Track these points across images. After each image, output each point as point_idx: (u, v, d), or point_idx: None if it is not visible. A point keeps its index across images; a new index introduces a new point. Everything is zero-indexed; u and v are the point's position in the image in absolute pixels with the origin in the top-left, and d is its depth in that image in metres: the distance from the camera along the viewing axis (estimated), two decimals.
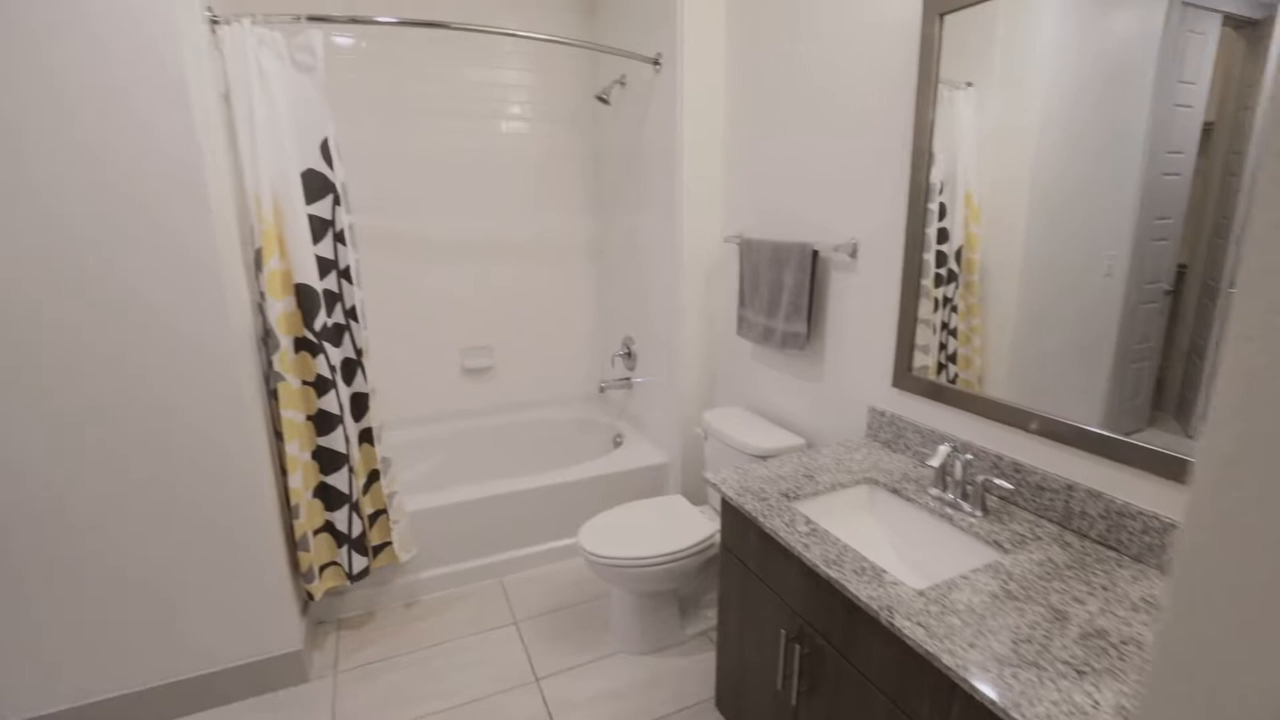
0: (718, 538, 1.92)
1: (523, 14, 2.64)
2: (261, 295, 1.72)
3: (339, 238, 1.85)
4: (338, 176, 1.81)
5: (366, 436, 1.98)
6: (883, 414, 1.63)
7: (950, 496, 1.32)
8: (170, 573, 1.65)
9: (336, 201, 1.83)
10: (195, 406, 1.57)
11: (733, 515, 1.41)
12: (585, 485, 2.41)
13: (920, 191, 1.43)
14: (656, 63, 2.21)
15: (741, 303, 2.09)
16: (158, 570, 1.64)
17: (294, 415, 1.79)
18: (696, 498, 2.49)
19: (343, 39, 2.44)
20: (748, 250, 2.02)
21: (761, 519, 1.26)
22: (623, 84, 2.54)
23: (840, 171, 1.69)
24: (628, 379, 2.85)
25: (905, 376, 1.55)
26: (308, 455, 1.86)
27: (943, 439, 1.46)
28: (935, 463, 1.28)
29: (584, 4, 2.77)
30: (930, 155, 1.40)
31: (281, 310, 1.74)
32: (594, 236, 3.02)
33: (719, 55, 2.12)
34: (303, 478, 1.83)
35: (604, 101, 2.49)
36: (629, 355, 2.81)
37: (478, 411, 2.97)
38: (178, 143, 1.45)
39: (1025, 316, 1.27)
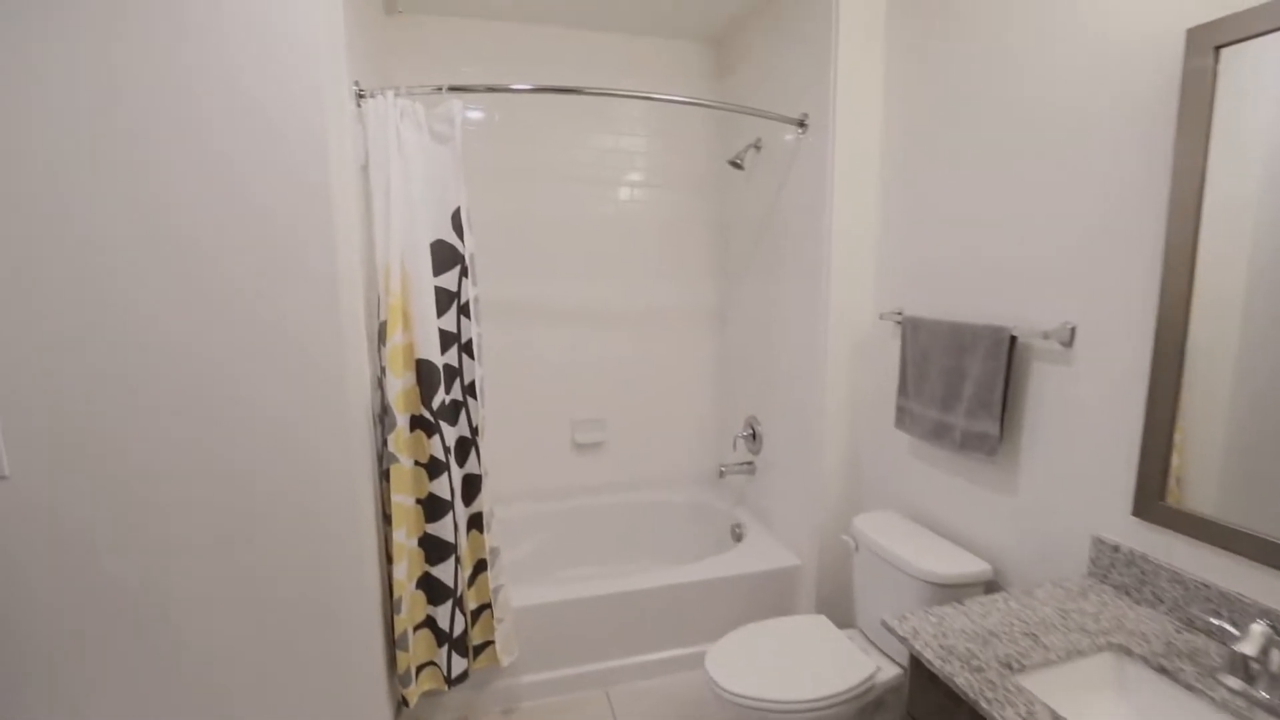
0: (879, 677, 1.55)
1: (650, 79, 2.58)
2: (382, 370, 1.64)
3: (463, 310, 1.76)
4: (466, 247, 1.73)
5: (476, 522, 1.82)
6: (1117, 550, 1.24)
7: (1263, 695, 0.93)
8: (260, 673, 1.52)
9: (464, 273, 1.74)
10: (303, 493, 1.47)
11: (928, 681, 1.08)
12: (705, 588, 2.11)
13: (1182, 265, 1.10)
14: (802, 123, 2.02)
15: (903, 391, 1.78)
16: (247, 669, 1.51)
17: (404, 499, 1.66)
18: (837, 613, 2.12)
19: (475, 113, 2.46)
20: (913, 330, 1.72)
21: (985, 705, 0.93)
22: (758, 147, 2.38)
23: (1048, 238, 1.38)
24: (750, 464, 2.56)
25: (1154, 505, 1.17)
26: (414, 543, 1.72)
27: (1224, 598, 1.06)
28: (1250, 649, 0.90)
29: (716, 67, 2.68)
30: (1199, 219, 1.08)
31: (401, 387, 1.64)
32: (718, 307, 2.83)
33: (875, 109, 1.90)
34: (407, 568, 1.69)
35: (737, 166, 2.34)
36: (753, 437, 2.53)
37: (587, 489, 2.78)
38: (320, 246, 1.40)
39: (1241, 412, 1.03)
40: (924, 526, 1.75)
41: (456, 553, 1.75)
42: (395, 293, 1.62)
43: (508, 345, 2.59)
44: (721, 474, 2.57)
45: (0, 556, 1.34)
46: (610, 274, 2.67)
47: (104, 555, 1.39)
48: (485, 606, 1.84)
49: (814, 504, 2.09)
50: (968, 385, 1.53)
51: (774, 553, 2.26)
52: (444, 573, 1.74)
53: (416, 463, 1.71)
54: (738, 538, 2.53)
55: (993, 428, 1.46)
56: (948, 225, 1.66)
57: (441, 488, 1.71)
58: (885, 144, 1.90)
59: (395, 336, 1.62)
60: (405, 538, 1.67)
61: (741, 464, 2.58)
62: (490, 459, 2.63)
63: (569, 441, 2.73)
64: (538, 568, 2.62)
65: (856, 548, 1.78)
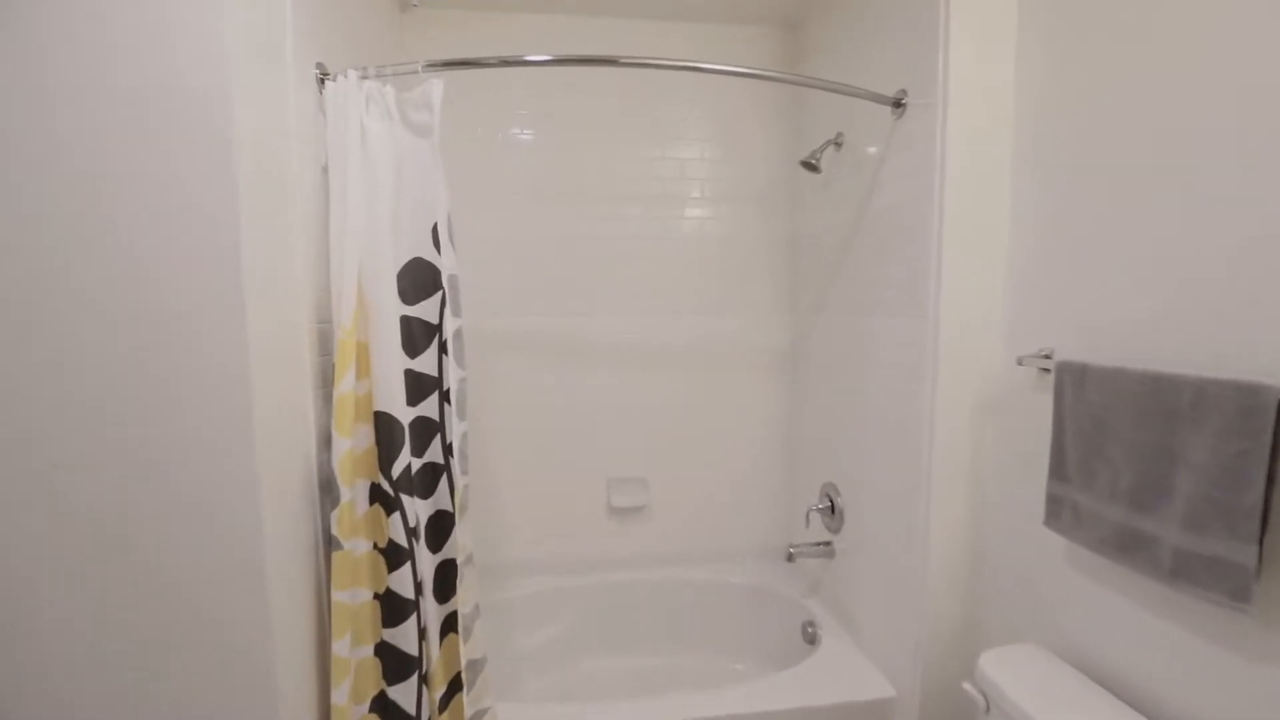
0: None
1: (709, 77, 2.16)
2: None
3: (444, 348, 1.36)
4: (447, 267, 1.34)
5: (452, 624, 1.39)
6: None
7: None
8: None
9: (444, 302, 1.35)
10: (200, 587, 1.09)
11: None
12: None
13: None
14: (899, 103, 1.52)
15: (1058, 473, 1.20)
16: None
17: (347, 597, 1.25)
18: None
19: (525, 135, 2.12)
20: (1076, 383, 1.15)
21: None
22: (838, 144, 1.89)
23: None
24: (827, 544, 2.00)
25: None
26: (368, 652, 1.30)
27: None
28: None
29: (787, 55, 2.22)
30: None
31: (349, 449, 1.25)
32: (787, 347, 2.31)
33: (1004, 67, 1.37)
34: (352, 689, 1.27)
35: (812, 168, 1.86)
36: (831, 511, 1.97)
37: (624, 561, 2.30)
38: (224, 258, 1.03)
39: None
40: (1097, 683, 1.15)
41: (422, 669, 1.32)
42: (346, 326, 1.24)
43: (533, 389, 2.19)
44: (791, 556, 2.02)
45: None
46: (656, 307, 2.23)
47: None
48: None
49: (916, 612, 1.52)
50: (1183, 476, 0.95)
51: (861, 673, 1.68)
52: (404, 696, 1.31)
53: (375, 547, 1.31)
54: (810, 639, 1.96)
55: (1243, 554, 0.87)
56: (1136, 205, 1.10)
57: (403, 581, 1.29)
58: (1020, 113, 1.36)
59: (344, 382, 1.24)
60: (349, 649, 1.25)
61: (816, 545, 2.02)
62: (508, 519, 2.22)
63: (603, 505, 2.27)
64: (561, 657, 2.15)
65: (987, 708, 1.20)
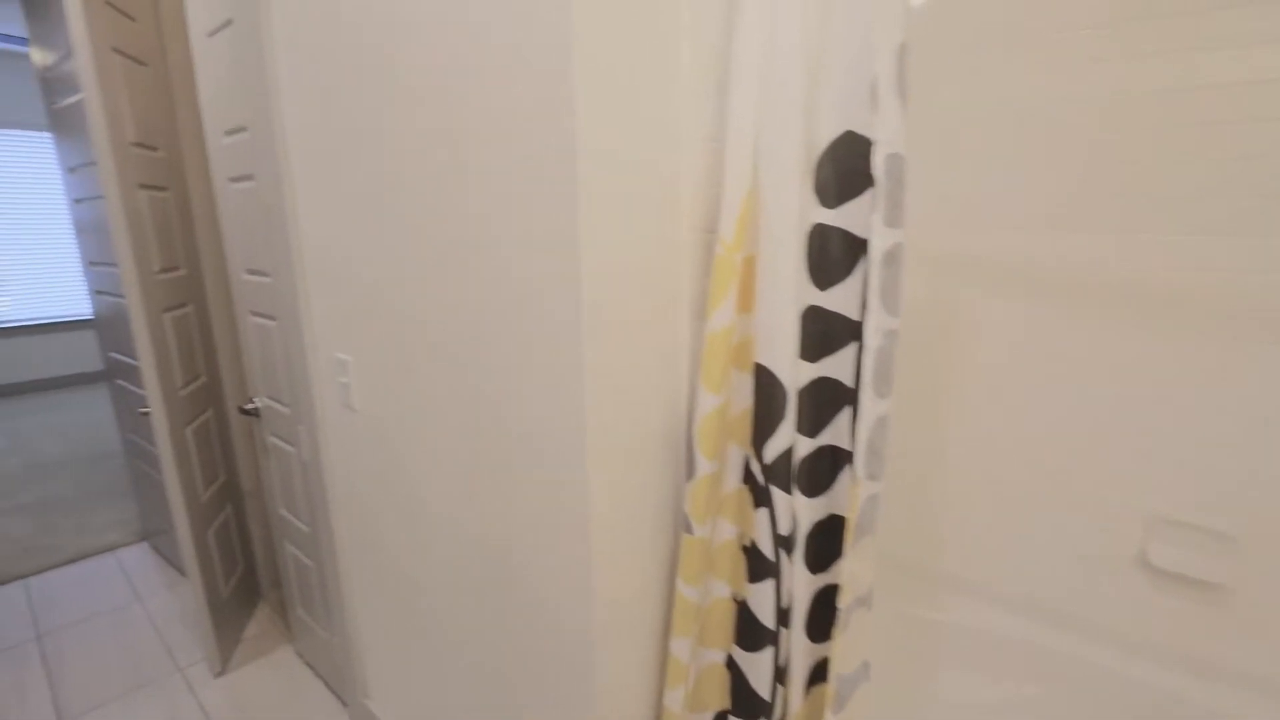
0: None
1: None
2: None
3: (883, 279, 0.85)
4: (885, 142, 0.80)
5: (822, 676, 0.97)
6: None
7: None
8: None
9: (889, 202, 0.83)
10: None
11: None
12: None
13: None
14: None
15: None
16: None
17: (697, 594, 0.97)
18: None
19: None
20: None
21: None
22: None
23: None
24: None
25: None
26: (717, 659, 1.02)
27: None
28: None
29: None
30: None
31: (717, 407, 0.91)
32: None
33: None
34: (689, 696, 1.02)
35: None
36: None
37: (1156, 651, 1.39)
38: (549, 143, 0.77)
39: None
40: None
41: (772, 718, 0.96)
42: (727, 239, 0.87)
43: (1029, 350, 1.42)
44: None
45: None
46: (1259, 220, 1.10)
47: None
48: None
49: None
50: None
51: None
52: None
53: (744, 546, 0.98)
54: None
55: None
56: None
57: (761, 601, 0.93)
58: None
59: (718, 317, 0.89)
60: (689, 653, 0.98)
61: None
62: (950, 524, 1.59)
63: (1135, 556, 1.38)
64: None
65: None
